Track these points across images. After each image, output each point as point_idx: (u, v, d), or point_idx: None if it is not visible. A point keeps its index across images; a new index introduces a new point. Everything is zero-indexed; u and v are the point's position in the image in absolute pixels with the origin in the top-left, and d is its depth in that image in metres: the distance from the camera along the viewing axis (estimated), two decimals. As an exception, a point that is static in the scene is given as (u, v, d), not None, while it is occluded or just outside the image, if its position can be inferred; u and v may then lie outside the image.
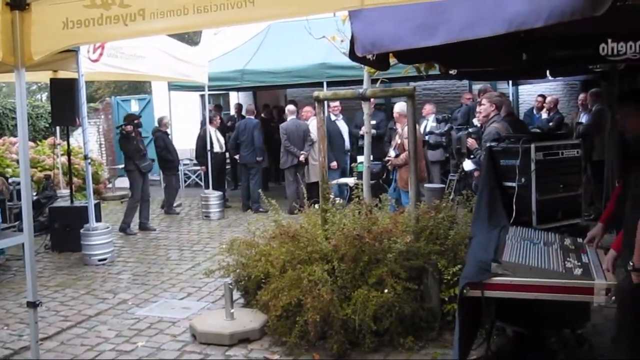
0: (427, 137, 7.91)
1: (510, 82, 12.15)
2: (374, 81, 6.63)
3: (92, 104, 19.15)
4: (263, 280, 5.65)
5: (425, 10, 3.01)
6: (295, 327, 5.09)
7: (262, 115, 15.37)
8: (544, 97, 12.42)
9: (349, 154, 11.99)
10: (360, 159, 9.39)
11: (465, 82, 14.14)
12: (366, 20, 3.35)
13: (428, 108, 10.51)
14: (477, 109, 7.12)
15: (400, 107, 8.64)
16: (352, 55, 3.75)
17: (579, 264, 3.84)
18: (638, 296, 3.35)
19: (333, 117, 11.65)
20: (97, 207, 9.67)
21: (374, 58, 4.36)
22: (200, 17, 2.77)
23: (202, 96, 12.40)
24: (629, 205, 3.57)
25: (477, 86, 14.43)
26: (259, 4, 2.70)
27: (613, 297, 3.55)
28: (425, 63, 5.70)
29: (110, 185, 15.70)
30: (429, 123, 9.75)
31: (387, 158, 8.97)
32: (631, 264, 3.32)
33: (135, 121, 10.69)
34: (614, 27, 5.77)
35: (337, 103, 11.46)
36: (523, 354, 4.51)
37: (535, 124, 11.31)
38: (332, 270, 5.26)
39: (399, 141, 8.50)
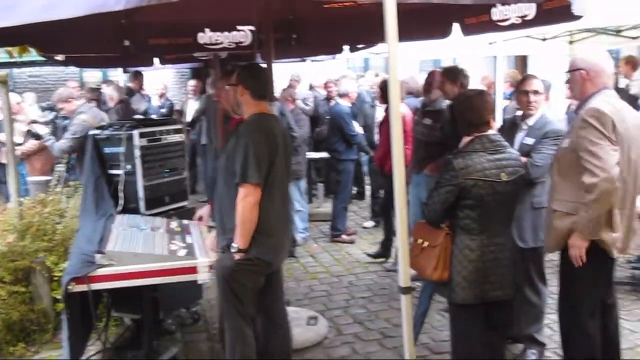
0: (30, 127, 7.41)
1: (121, 69, 12.00)
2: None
3: None
4: None
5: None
6: None
7: None
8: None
9: None
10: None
11: (76, 69, 13.53)
12: None
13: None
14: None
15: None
16: None
17: (184, 245, 3.98)
18: (235, 271, 3.59)
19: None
20: None
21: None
22: None
23: None
24: (219, 183, 3.81)
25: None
26: None
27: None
28: (19, 47, 5.24)
29: None
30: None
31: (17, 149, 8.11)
32: (235, 246, 3.53)
33: None
34: (212, 17, 6.11)
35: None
36: (141, 340, 4.51)
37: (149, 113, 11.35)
38: None
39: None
